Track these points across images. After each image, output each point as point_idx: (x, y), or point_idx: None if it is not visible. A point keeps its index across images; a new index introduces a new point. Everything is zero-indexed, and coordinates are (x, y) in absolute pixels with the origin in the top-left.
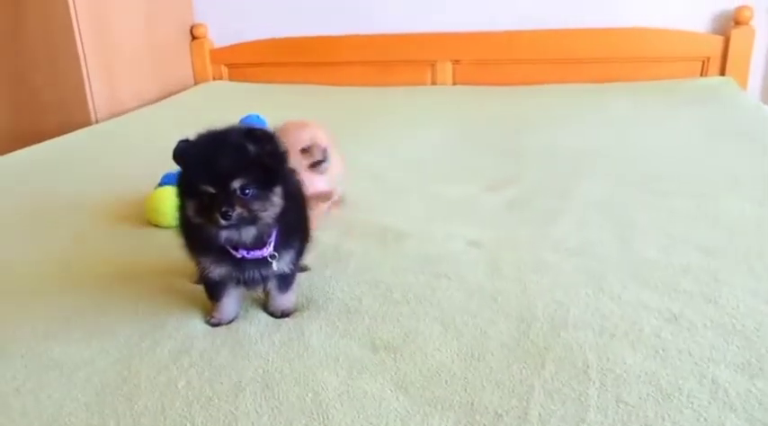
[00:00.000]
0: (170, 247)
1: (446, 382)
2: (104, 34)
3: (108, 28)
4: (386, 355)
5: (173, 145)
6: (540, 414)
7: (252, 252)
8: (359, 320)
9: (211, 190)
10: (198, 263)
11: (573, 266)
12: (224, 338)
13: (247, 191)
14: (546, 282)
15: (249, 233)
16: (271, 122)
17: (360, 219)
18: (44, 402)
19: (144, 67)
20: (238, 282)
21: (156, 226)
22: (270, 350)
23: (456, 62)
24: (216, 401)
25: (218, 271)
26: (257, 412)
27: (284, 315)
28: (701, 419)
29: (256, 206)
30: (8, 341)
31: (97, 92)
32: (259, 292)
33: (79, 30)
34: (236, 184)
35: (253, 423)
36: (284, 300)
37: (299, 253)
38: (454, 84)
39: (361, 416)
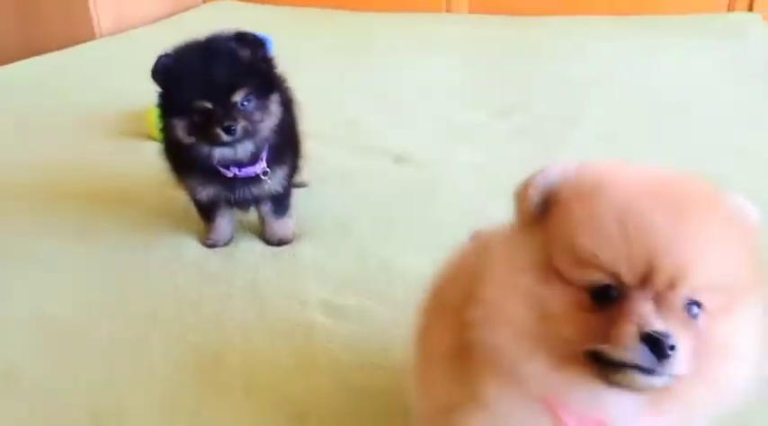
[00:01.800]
0: None
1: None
2: None
3: None
4: (377, 271)
5: None
6: None
7: (244, 170)
8: (351, 237)
9: (208, 105)
10: (185, 186)
11: None
12: (215, 248)
13: (246, 103)
14: None
15: (246, 149)
16: (277, 43)
17: (365, 141)
18: (33, 301)
19: None
20: (229, 203)
21: (156, 140)
22: (260, 262)
23: None
24: (205, 306)
25: (206, 192)
26: (244, 317)
27: (282, 242)
28: None
29: (257, 117)
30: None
31: (102, 7)
32: (252, 215)
33: None
34: (237, 96)
35: (238, 325)
36: (281, 226)
37: (293, 170)
38: (470, 11)
39: (345, 327)
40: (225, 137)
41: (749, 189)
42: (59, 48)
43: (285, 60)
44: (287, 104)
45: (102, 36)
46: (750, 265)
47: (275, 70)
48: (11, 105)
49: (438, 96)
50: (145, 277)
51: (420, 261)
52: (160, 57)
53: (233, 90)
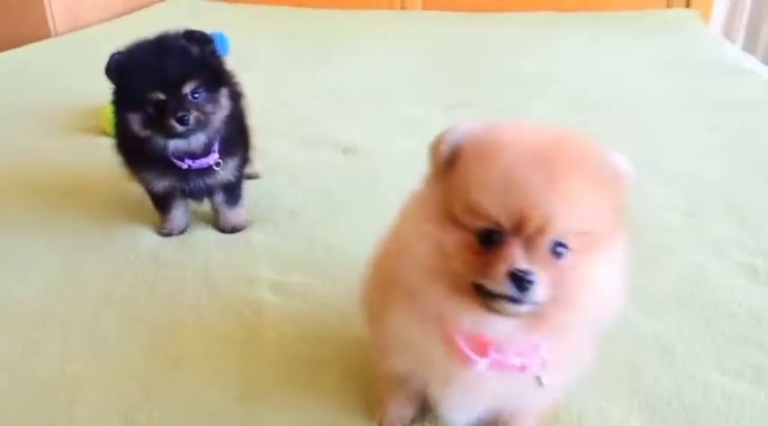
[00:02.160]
0: None
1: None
2: None
3: None
4: (322, 253)
5: None
6: None
7: (197, 161)
8: (300, 222)
9: (161, 96)
10: (140, 178)
11: None
12: (172, 238)
13: (197, 95)
14: None
15: (199, 140)
16: (234, 41)
17: (316, 134)
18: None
19: None
20: (184, 194)
21: (111, 136)
22: (213, 248)
23: None
24: (158, 287)
25: (162, 184)
26: (196, 296)
27: (235, 229)
28: None
29: (208, 108)
30: None
31: (56, 5)
32: (206, 205)
33: None
34: (188, 88)
35: (191, 307)
36: (234, 214)
37: (244, 160)
38: (423, 9)
39: (292, 304)
40: (178, 128)
41: (681, 175)
42: (15, 46)
43: (241, 57)
44: (236, 98)
45: (57, 35)
46: (613, 213)
47: (224, 66)
48: None
49: (389, 91)
50: (102, 264)
51: (362, 244)
52: (113, 55)
53: (184, 81)
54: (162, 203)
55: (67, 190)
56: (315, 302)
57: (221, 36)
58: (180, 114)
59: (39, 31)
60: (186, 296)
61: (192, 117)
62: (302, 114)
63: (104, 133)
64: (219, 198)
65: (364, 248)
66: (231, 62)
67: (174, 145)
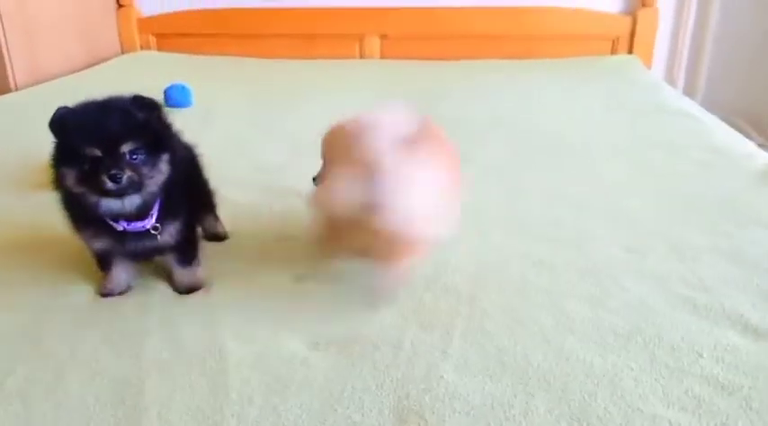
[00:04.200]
0: None
1: (337, 323)
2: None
3: None
4: (285, 302)
5: None
6: (412, 343)
7: (133, 224)
8: (263, 270)
9: (98, 153)
10: (80, 237)
11: (461, 222)
12: (131, 293)
13: (135, 156)
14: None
15: (133, 202)
16: (197, 92)
17: (274, 181)
18: None
19: (68, 35)
20: (122, 255)
21: None
22: (173, 301)
23: (383, 37)
24: (122, 343)
25: (99, 244)
26: (160, 351)
27: (191, 290)
28: (546, 341)
29: (145, 171)
30: None
31: (16, 59)
32: (154, 264)
33: None
34: (126, 148)
35: (154, 361)
36: (188, 274)
37: (188, 225)
38: (381, 57)
39: (253, 352)
40: (110, 185)
41: (622, 212)
42: None
43: (204, 108)
44: (181, 164)
45: (17, 89)
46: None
47: (169, 131)
48: None
49: None
50: (61, 321)
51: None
52: (58, 109)
53: (122, 141)
54: (102, 262)
55: (23, 248)
56: (279, 349)
57: (184, 88)
58: (113, 172)
59: None
60: (150, 349)
61: (126, 176)
62: (264, 163)
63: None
64: (171, 258)
65: (326, 295)
66: (194, 113)
67: (106, 204)
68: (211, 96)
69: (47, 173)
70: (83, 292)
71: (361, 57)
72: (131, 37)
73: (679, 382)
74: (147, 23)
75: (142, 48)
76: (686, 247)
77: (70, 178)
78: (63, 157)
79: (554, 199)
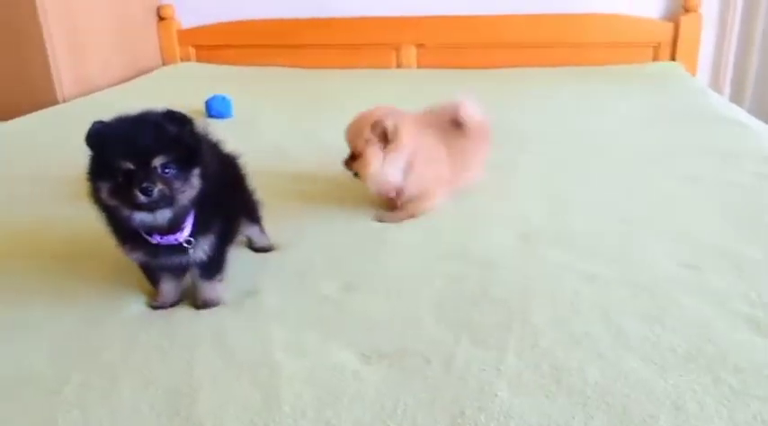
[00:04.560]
0: None
1: (383, 334)
2: (70, 11)
3: (74, 5)
4: (332, 311)
5: None
6: (464, 358)
7: (165, 238)
8: (309, 281)
9: (131, 166)
10: (121, 249)
11: (505, 232)
12: (183, 302)
13: (167, 170)
14: (480, 247)
15: (164, 215)
16: (237, 103)
17: (318, 192)
18: (10, 357)
19: (111, 48)
20: (159, 268)
21: None
22: (225, 310)
23: (420, 46)
24: (173, 352)
25: (135, 257)
26: (211, 361)
27: (205, 305)
28: (603, 359)
29: (176, 185)
30: None
31: (64, 72)
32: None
33: (44, 5)
34: (158, 161)
35: (206, 370)
36: (208, 289)
37: (222, 240)
38: (418, 67)
39: (304, 364)
40: (141, 198)
41: (675, 227)
42: (23, 113)
43: (244, 118)
44: (215, 179)
45: (65, 100)
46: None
47: (201, 146)
48: None
49: None
50: (115, 330)
51: (372, 301)
52: (93, 124)
53: (154, 154)
54: (150, 276)
55: (76, 257)
56: (330, 361)
57: (224, 99)
58: (144, 185)
59: (47, 98)
60: (202, 360)
61: (157, 189)
62: (307, 174)
63: None
64: (195, 271)
65: (374, 306)
66: (235, 124)
67: (139, 217)
68: (252, 107)
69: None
70: (134, 303)
71: (398, 66)
72: (172, 49)
73: (746, 406)
74: (187, 35)
75: (182, 59)
76: (745, 262)
77: (104, 191)
78: (98, 171)
79: (602, 211)
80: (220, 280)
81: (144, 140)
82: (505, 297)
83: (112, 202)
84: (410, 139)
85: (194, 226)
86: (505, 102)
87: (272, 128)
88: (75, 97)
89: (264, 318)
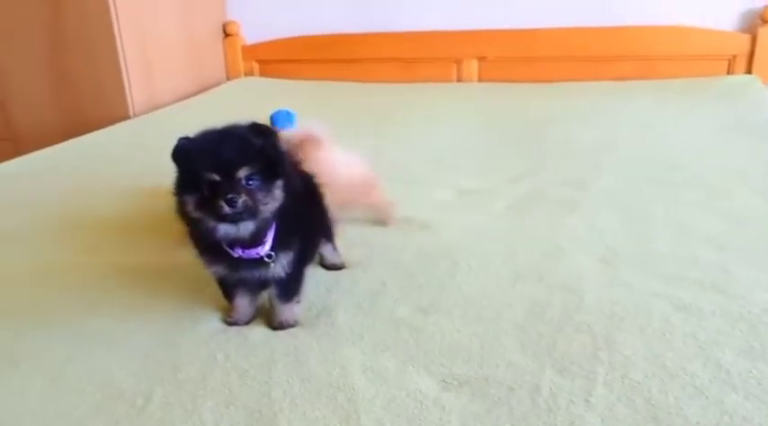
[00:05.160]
0: None
1: (463, 360)
2: (142, 30)
3: (145, 24)
4: (408, 334)
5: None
6: (550, 389)
7: (247, 251)
8: (383, 302)
9: (216, 177)
10: (201, 263)
11: (585, 254)
12: (258, 319)
13: (251, 182)
14: (560, 270)
15: (247, 227)
16: (300, 117)
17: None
18: (95, 369)
19: (179, 63)
20: (238, 284)
21: None
22: (300, 329)
23: (481, 59)
24: (251, 372)
25: (214, 270)
26: (289, 383)
27: (281, 326)
28: (703, 396)
29: (260, 196)
30: (55, 313)
31: (135, 86)
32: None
33: (118, 26)
34: (243, 173)
35: (285, 392)
36: (284, 310)
37: (302, 257)
38: (480, 80)
39: (383, 390)
40: (226, 209)
41: (743, 246)
42: (97, 128)
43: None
44: (297, 194)
45: (135, 115)
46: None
47: (284, 158)
48: (52, 188)
49: (450, 164)
50: (194, 346)
51: (448, 324)
52: (179, 139)
53: (239, 166)
54: (226, 291)
55: (149, 270)
56: (410, 387)
57: (288, 113)
58: (230, 196)
59: (119, 113)
60: (280, 386)
61: (241, 200)
62: None
63: None
64: (273, 290)
65: (452, 330)
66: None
67: (223, 229)
68: (309, 119)
69: (168, 197)
70: (209, 318)
71: (459, 80)
72: (236, 64)
73: None
74: (251, 51)
75: (246, 74)
76: None
77: (190, 204)
78: (184, 185)
79: (686, 234)
80: (298, 302)
81: (229, 152)
82: (591, 324)
83: (198, 215)
84: None
85: (275, 240)
86: (571, 117)
87: (336, 143)
88: (145, 112)
89: (340, 340)
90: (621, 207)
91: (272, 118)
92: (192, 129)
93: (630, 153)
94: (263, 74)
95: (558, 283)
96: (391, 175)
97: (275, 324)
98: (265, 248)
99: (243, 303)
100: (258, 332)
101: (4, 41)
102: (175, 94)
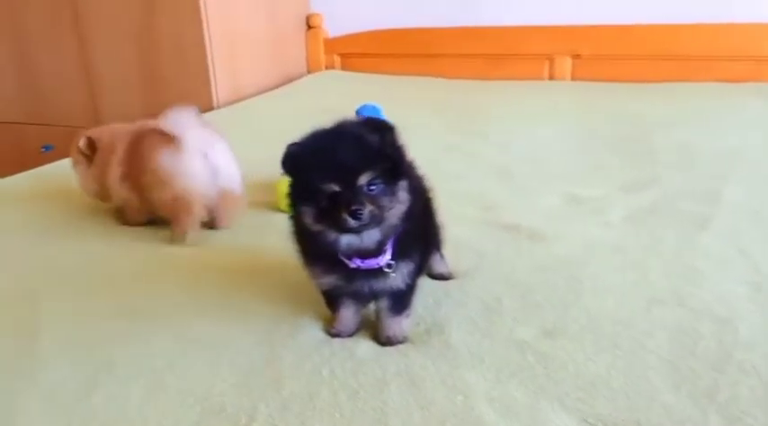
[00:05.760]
0: None
1: (606, 397)
2: (230, 26)
3: (233, 20)
4: (535, 361)
5: (295, 131)
6: None
7: (367, 261)
8: (500, 320)
9: (336, 188)
10: (309, 272)
11: (730, 277)
12: (361, 330)
13: (373, 187)
14: (703, 294)
15: (372, 237)
16: (386, 112)
17: (490, 216)
18: (195, 379)
19: (263, 56)
20: (347, 295)
21: (285, 212)
22: (411, 347)
23: (576, 57)
24: (362, 393)
25: (326, 281)
26: (406, 409)
27: (389, 342)
28: None
29: (385, 202)
30: (156, 317)
31: (220, 82)
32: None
33: (208, 23)
34: (364, 179)
35: (404, 422)
36: (393, 324)
37: (419, 268)
38: (572, 79)
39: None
40: (351, 222)
41: None
42: None
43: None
44: (417, 193)
45: (219, 107)
46: None
47: (404, 156)
48: None
49: (553, 168)
50: (296, 358)
51: (579, 352)
52: (288, 146)
53: (359, 172)
54: (331, 301)
55: (251, 272)
56: (545, 424)
57: (375, 108)
58: (354, 207)
59: (204, 104)
60: (398, 413)
61: (367, 211)
62: (473, 194)
63: (278, 209)
64: (384, 302)
65: (586, 358)
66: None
67: (346, 240)
68: (399, 117)
69: (259, 191)
70: (310, 327)
71: (551, 78)
72: (317, 57)
73: None
74: (332, 44)
75: (327, 67)
76: None
77: (308, 216)
78: (299, 195)
79: None
80: (408, 316)
81: (346, 157)
82: (755, 363)
83: (318, 227)
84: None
85: (394, 248)
86: (681, 121)
87: (422, 140)
88: (230, 103)
89: (457, 362)
90: (761, 222)
91: (358, 112)
92: (277, 123)
93: (758, 161)
94: (344, 67)
95: (704, 310)
96: (491, 178)
97: (383, 339)
98: (386, 257)
99: (347, 314)
100: (365, 346)
101: (97, 38)
102: (258, 88)
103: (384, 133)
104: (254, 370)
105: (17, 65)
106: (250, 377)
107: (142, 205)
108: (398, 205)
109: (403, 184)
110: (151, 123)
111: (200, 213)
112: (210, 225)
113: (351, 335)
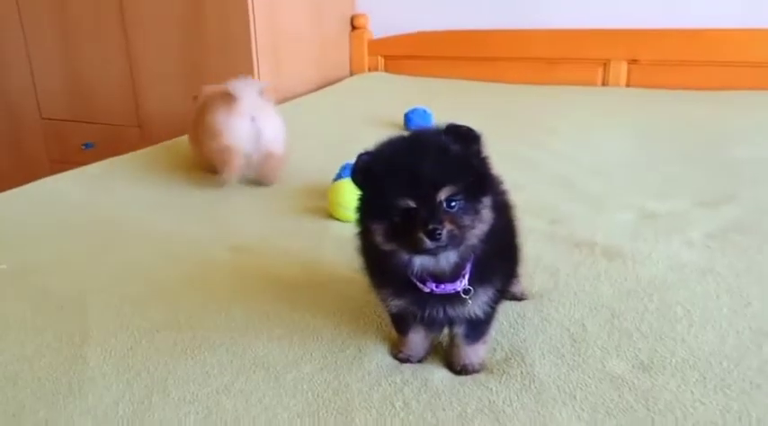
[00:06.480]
0: None
1: None
2: (276, 25)
3: (279, 19)
4: (634, 400)
5: (341, 132)
6: None
7: (442, 286)
8: (588, 350)
9: (411, 204)
10: (377, 293)
11: None
12: (432, 356)
13: (453, 203)
14: None
15: (449, 259)
16: (434, 116)
17: (559, 231)
18: (255, 406)
19: (307, 56)
20: (418, 320)
21: (338, 219)
22: (490, 377)
23: (633, 62)
24: None
25: (395, 304)
26: None
27: (465, 370)
28: None
29: (466, 221)
30: (212, 332)
31: (264, 78)
32: (442, 337)
33: (254, 22)
34: (444, 195)
35: None
36: (470, 352)
37: (501, 293)
38: (628, 85)
39: None
40: (428, 244)
41: None
42: None
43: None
44: (500, 210)
45: None
46: None
47: (489, 169)
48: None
49: (620, 179)
50: (364, 388)
51: (686, 390)
52: (360, 155)
53: (438, 186)
54: (399, 323)
55: (306, 286)
56: None
57: (425, 112)
58: (431, 227)
59: None
60: None
61: (446, 231)
62: (536, 206)
63: (330, 216)
64: (460, 328)
65: (694, 398)
66: None
67: (420, 262)
68: (450, 120)
69: (310, 197)
70: (375, 351)
71: (605, 84)
72: (361, 58)
73: None
74: (376, 45)
75: (370, 69)
76: None
77: (378, 233)
78: (369, 210)
79: None
80: (485, 343)
81: (424, 169)
82: None
83: (389, 247)
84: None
85: (472, 272)
86: (758, 133)
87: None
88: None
89: (545, 398)
90: None
91: (406, 116)
92: (322, 123)
93: None
94: (387, 69)
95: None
96: (553, 188)
97: (457, 367)
98: (464, 281)
99: (417, 338)
100: (438, 375)
101: (141, 34)
102: (302, 88)
103: (469, 142)
104: (320, 398)
105: (63, 62)
106: (314, 407)
107: (201, 156)
108: (480, 224)
109: (487, 201)
110: (222, 86)
111: (239, 164)
112: (258, 181)
113: (420, 360)
